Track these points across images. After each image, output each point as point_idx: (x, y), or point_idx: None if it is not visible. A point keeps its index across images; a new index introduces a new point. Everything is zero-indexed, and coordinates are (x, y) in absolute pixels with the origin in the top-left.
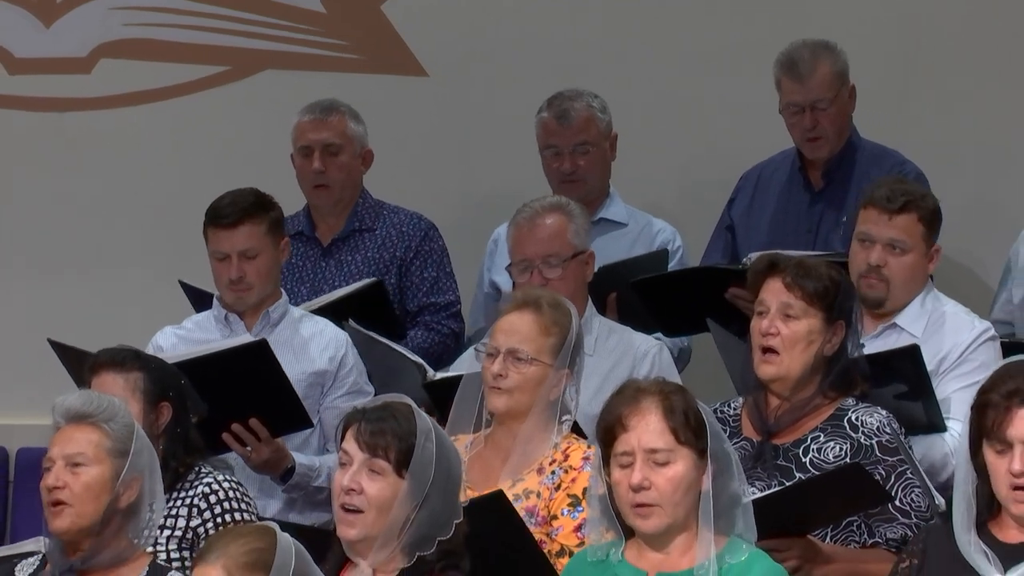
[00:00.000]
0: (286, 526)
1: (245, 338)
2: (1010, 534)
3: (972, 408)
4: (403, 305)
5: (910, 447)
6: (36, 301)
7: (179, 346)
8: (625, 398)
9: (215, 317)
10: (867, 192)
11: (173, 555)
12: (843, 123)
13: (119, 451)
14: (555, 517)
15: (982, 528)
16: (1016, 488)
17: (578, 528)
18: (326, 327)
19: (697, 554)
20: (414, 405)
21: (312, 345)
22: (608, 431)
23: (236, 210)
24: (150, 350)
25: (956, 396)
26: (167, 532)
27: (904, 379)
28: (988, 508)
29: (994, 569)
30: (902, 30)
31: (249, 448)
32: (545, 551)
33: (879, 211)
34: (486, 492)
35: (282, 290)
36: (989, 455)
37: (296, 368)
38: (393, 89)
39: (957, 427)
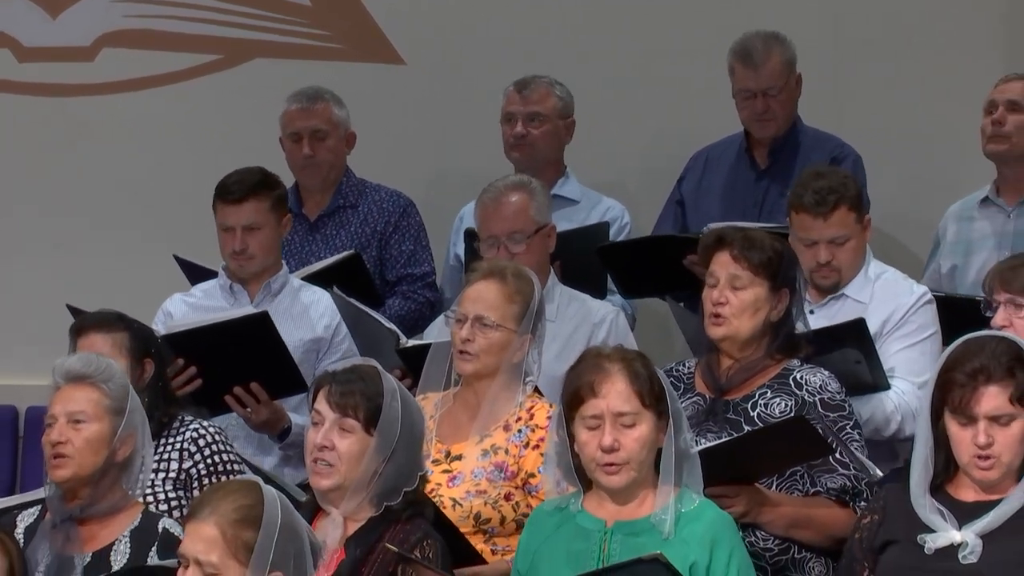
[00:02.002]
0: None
1: (248, 309)
2: (966, 493)
3: (935, 384)
4: (383, 275)
5: (851, 406)
6: (43, 271)
7: (189, 313)
8: (590, 365)
9: (221, 286)
10: (794, 197)
11: (170, 495)
12: (791, 108)
13: (116, 409)
14: (532, 475)
15: (940, 489)
16: (978, 457)
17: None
18: (323, 297)
19: (656, 503)
20: (380, 367)
21: (310, 313)
22: (575, 395)
23: (243, 187)
24: (160, 315)
25: (898, 356)
26: (162, 475)
27: (852, 346)
28: (945, 471)
29: (950, 526)
30: (840, 25)
31: (249, 409)
32: (526, 504)
33: (812, 216)
34: (456, 445)
35: (283, 262)
36: (952, 426)
37: (294, 335)
38: (373, 76)
39: (900, 385)
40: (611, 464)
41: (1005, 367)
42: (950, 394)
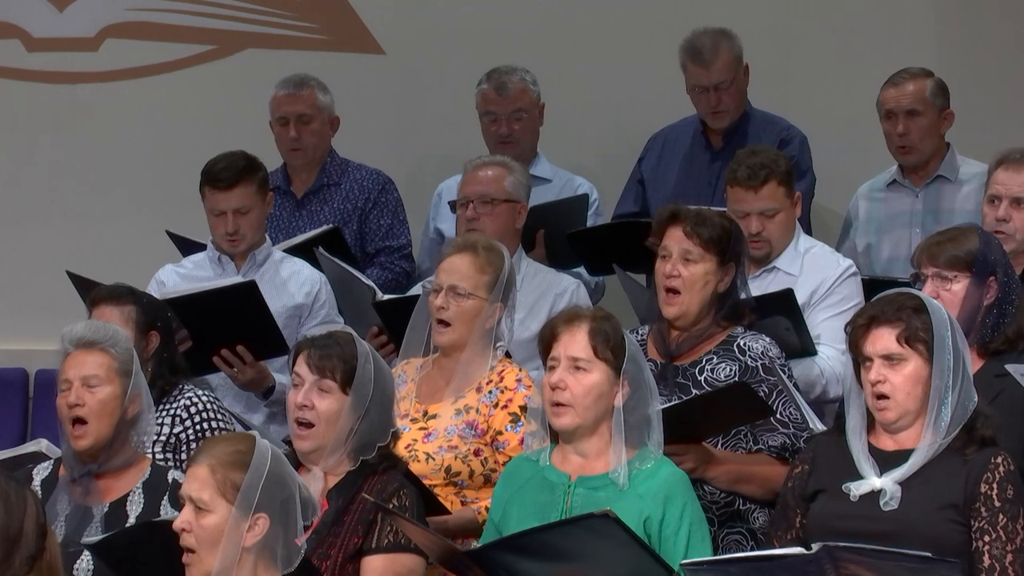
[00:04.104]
0: None
1: (237, 278)
2: (885, 442)
3: (849, 338)
4: (363, 248)
5: (790, 370)
6: (51, 244)
7: (180, 282)
8: (564, 317)
9: (210, 258)
10: (729, 172)
11: (158, 457)
12: (740, 99)
13: (124, 371)
14: (500, 433)
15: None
16: (876, 397)
17: (522, 441)
18: (303, 267)
19: (610, 461)
20: (354, 333)
21: (291, 283)
22: (546, 342)
23: (231, 173)
24: (153, 284)
25: (825, 325)
26: (153, 438)
27: (782, 314)
28: (871, 422)
29: (873, 473)
30: (785, 18)
31: (235, 369)
32: (494, 460)
33: (744, 189)
34: (432, 405)
35: (266, 236)
36: (862, 373)
37: (277, 302)
38: (355, 65)
39: (826, 351)
40: (558, 404)
41: (895, 311)
42: (854, 341)
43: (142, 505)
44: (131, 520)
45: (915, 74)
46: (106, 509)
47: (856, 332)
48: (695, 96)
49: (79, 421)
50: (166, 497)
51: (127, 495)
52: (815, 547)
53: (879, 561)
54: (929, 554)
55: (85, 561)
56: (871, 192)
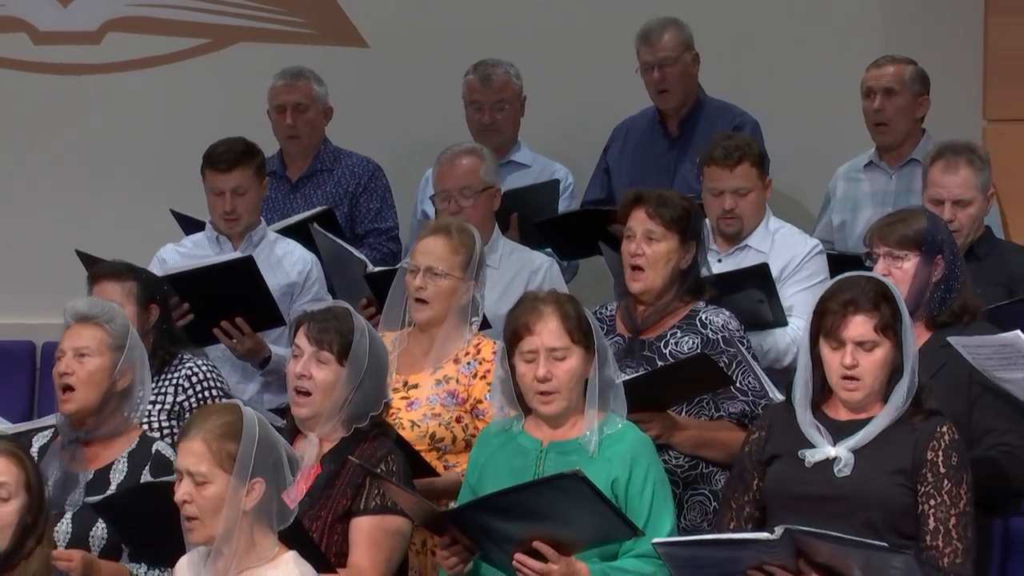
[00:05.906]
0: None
1: (235, 254)
2: (839, 413)
3: (814, 312)
4: (352, 230)
5: (749, 341)
6: (56, 225)
7: (180, 260)
8: (527, 307)
9: (208, 238)
10: (705, 153)
11: (163, 423)
12: (687, 81)
13: (117, 346)
14: (480, 401)
15: (816, 408)
16: (845, 378)
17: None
18: (296, 248)
19: (583, 426)
20: (351, 308)
21: (284, 262)
22: (514, 334)
23: (230, 156)
24: (155, 261)
25: (795, 298)
26: (158, 406)
27: (755, 287)
28: (821, 391)
29: (826, 442)
30: (743, 8)
31: (234, 340)
32: (473, 426)
33: (720, 168)
34: (412, 376)
35: (262, 218)
36: (825, 350)
37: (271, 280)
38: (344, 59)
39: (796, 322)
40: (545, 393)
41: (872, 300)
42: (824, 321)
43: (124, 474)
44: (112, 488)
45: (897, 59)
46: (90, 476)
47: (834, 318)
48: (643, 75)
49: (68, 388)
50: (147, 467)
51: (112, 464)
52: (778, 531)
53: (838, 546)
54: (886, 544)
55: (65, 524)
56: (849, 172)
